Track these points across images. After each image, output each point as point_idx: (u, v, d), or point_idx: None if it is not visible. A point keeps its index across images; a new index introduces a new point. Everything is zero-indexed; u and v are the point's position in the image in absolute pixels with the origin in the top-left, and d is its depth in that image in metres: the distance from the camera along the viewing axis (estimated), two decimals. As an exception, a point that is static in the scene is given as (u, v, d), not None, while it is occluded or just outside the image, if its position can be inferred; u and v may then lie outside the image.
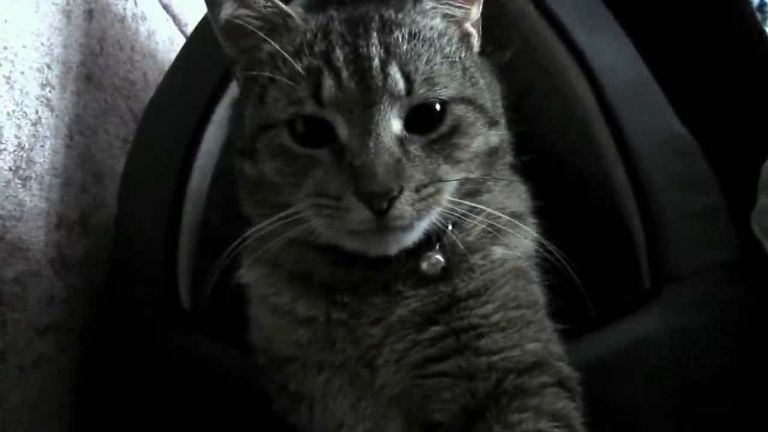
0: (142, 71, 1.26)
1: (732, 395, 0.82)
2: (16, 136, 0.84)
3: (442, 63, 0.66)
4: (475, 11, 0.74)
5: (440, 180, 0.64)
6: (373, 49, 0.64)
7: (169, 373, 0.88)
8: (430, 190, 0.62)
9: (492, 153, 0.71)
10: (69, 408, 0.95)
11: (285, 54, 0.66)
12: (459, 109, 0.66)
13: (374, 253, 0.66)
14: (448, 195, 0.65)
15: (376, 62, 0.63)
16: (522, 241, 0.75)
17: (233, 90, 0.98)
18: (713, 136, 0.92)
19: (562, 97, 0.94)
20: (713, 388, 0.82)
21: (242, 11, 0.69)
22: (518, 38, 0.97)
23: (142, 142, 1.03)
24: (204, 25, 1.06)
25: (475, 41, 0.75)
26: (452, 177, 0.65)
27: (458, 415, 0.66)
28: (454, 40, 0.71)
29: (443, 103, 0.65)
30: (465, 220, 0.72)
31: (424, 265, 0.70)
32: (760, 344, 0.86)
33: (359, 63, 0.63)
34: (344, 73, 0.63)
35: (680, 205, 0.88)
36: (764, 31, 1.02)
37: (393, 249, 0.65)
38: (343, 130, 0.63)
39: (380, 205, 0.60)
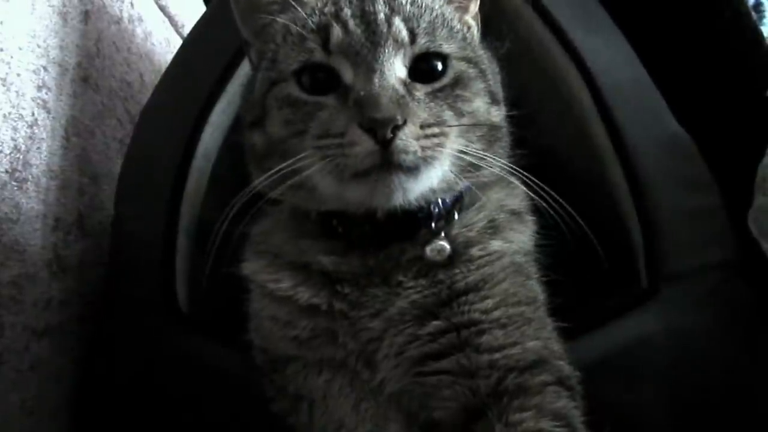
0: (138, 73, 1.25)
1: (730, 394, 0.82)
2: (12, 138, 0.84)
3: (443, 25, 0.71)
4: (473, 6, 0.79)
5: (444, 123, 0.65)
6: (378, 6, 0.69)
7: (166, 374, 0.88)
8: (435, 130, 0.64)
9: (493, 129, 0.73)
10: (66, 410, 0.94)
11: (298, 8, 0.71)
12: (460, 65, 0.70)
13: (375, 203, 0.66)
14: (452, 143, 0.66)
15: (381, 15, 0.68)
16: (520, 237, 0.76)
17: (230, 92, 0.98)
18: (710, 135, 0.92)
19: (559, 97, 0.94)
20: (711, 386, 0.82)
21: None
22: (515, 39, 0.98)
23: (139, 144, 1.02)
24: (201, 26, 1.06)
25: (475, 32, 0.79)
26: (454, 123, 0.66)
27: (459, 413, 0.66)
28: (455, 17, 0.76)
29: (445, 59, 0.69)
30: (466, 204, 0.73)
31: (428, 251, 0.70)
32: (758, 342, 0.86)
33: (366, 17, 0.69)
34: (351, 23, 0.68)
35: (677, 204, 0.88)
36: (760, 30, 1.02)
37: (397, 197, 0.65)
38: (348, 74, 0.67)
39: (384, 133, 0.60)
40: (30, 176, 0.87)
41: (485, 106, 0.71)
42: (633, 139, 0.88)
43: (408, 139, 0.61)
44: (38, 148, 0.90)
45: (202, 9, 1.50)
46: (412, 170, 0.63)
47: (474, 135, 0.69)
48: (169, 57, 1.10)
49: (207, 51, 1.00)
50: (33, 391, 0.87)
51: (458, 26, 0.75)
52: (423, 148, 0.62)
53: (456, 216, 0.73)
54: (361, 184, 0.64)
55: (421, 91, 0.66)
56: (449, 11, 0.75)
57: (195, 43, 1.06)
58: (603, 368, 0.79)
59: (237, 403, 0.82)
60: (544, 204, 0.69)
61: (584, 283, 0.81)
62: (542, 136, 0.98)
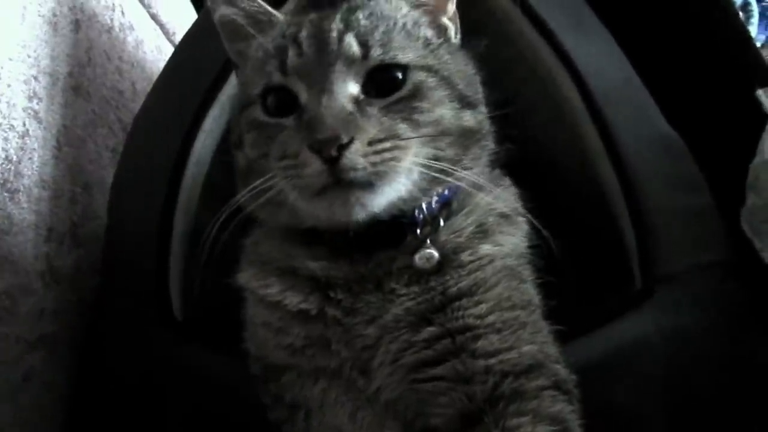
0: (130, 81, 1.25)
1: (725, 394, 0.82)
2: (3, 149, 0.84)
3: (400, 33, 0.71)
4: (450, 6, 0.79)
5: (397, 137, 0.64)
6: (333, 25, 0.70)
7: (161, 384, 0.87)
8: (386, 145, 0.63)
9: (466, 134, 0.72)
10: (59, 421, 0.94)
11: (261, 32, 0.75)
12: (419, 75, 0.69)
13: (339, 219, 0.66)
14: (410, 156, 0.65)
15: (335, 33, 0.69)
16: (510, 239, 0.75)
17: (223, 99, 0.98)
18: (701, 135, 0.93)
19: (551, 100, 0.95)
20: (706, 387, 0.82)
21: (232, 10, 0.78)
22: (505, 42, 0.98)
23: (131, 152, 1.02)
24: (192, 34, 1.06)
25: (453, 33, 0.79)
26: (410, 135, 0.66)
27: (455, 419, 0.65)
28: (421, 22, 0.75)
29: (404, 70, 0.68)
30: (454, 209, 0.73)
31: (417, 259, 0.70)
32: (753, 342, 0.86)
33: (320, 36, 0.69)
34: (305, 44, 0.69)
35: (670, 205, 0.88)
36: (747, 30, 1.03)
37: (357, 212, 0.65)
38: (303, 95, 0.68)
39: (329, 152, 0.61)
40: (22, 186, 0.87)
41: (452, 112, 0.70)
42: (624, 141, 0.89)
43: (355, 156, 0.61)
44: (30, 158, 0.89)
45: (194, 16, 1.50)
46: (366, 186, 0.63)
47: (443, 143, 0.69)
48: (161, 65, 1.10)
49: (199, 58, 1.00)
50: (26, 402, 0.86)
51: (421, 32, 0.74)
52: (373, 164, 0.62)
53: (442, 222, 0.73)
54: (321, 201, 0.65)
55: (376, 106, 0.66)
56: (413, 17, 0.75)
57: (187, 50, 1.05)
58: (599, 371, 0.78)
59: (233, 412, 0.81)
60: (534, 223, 0.70)
61: (579, 286, 0.81)
62: (534, 139, 0.98)
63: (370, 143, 0.62)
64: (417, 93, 0.68)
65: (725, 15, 1.03)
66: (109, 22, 1.18)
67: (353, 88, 0.67)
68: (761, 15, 1.75)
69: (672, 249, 0.86)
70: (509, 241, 0.75)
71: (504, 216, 0.76)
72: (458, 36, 0.80)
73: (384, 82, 0.68)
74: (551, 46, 0.93)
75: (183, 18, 1.53)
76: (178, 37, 1.31)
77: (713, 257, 0.88)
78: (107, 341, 0.95)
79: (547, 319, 0.73)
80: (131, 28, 1.28)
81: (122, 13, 1.24)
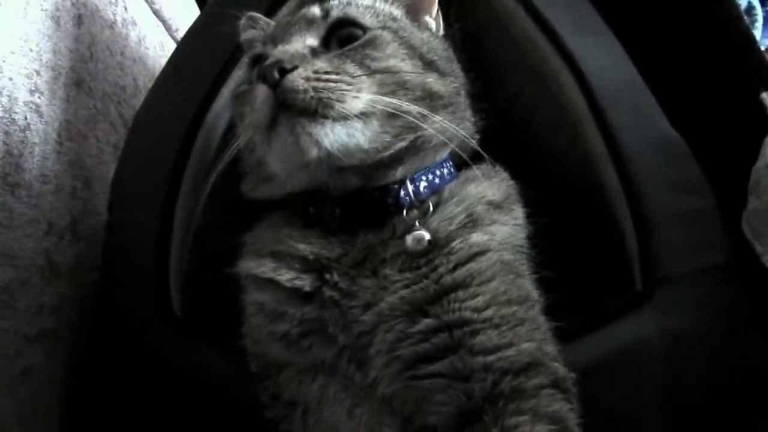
0: (132, 77, 1.25)
1: (724, 396, 0.82)
2: (4, 143, 0.84)
3: (364, 5, 0.78)
4: (434, 8, 0.86)
5: (345, 73, 0.67)
6: (310, 7, 0.78)
7: (160, 380, 0.87)
8: (332, 76, 0.66)
9: (432, 96, 0.74)
10: (59, 417, 0.94)
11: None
12: (377, 31, 0.74)
13: (295, 158, 0.68)
14: (363, 96, 0.67)
15: (304, 10, 0.78)
16: (502, 229, 0.75)
17: (224, 95, 0.98)
18: (704, 138, 0.93)
19: (553, 100, 0.95)
20: (706, 389, 0.82)
21: (254, 32, 0.89)
22: (509, 42, 0.98)
23: (132, 148, 1.02)
24: (195, 30, 1.06)
25: (433, 27, 0.86)
26: (358, 73, 0.68)
27: (453, 417, 0.65)
28: (389, 7, 0.82)
29: (364, 29, 0.74)
30: (445, 198, 0.75)
31: (409, 240, 0.70)
32: (752, 345, 0.86)
33: (298, 15, 0.78)
34: (282, 21, 0.80)
35: (671, 207, 0.88)
36: (752, 34, 1.03)
37: (308, 146, 0.66)
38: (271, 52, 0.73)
39: (272, 75, 0.64)
40: (22, 181, 0.87)
41: (411, 67, 0.73)
42: (627, 142, 0.88)
43: (296, 78, 0.64)
44: (31, 152, 0.89)
45: (196, 12, 1.50)
46: (312, 114, 0.65)
47: (405, 97, 0.70)
48: (163, 61, 1.10)
49: (201, 55, 1.00)
50: (25, 397, 0.86)
51: (391, 10, 0.80)
52: (315, 89, 0.64)
53: (431, 207, 0.74)
54: (274, 138, 0.67)
55: (331, 53, 0.70)
56: (383, 4, 0.81)
57: (189, 47, 1.05)
58: (599, 372, 0.78)
59: (231, 409, 0.81)
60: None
61: (579, 287, 0.81)
62: (536, 139, 0.98)
63: (316, 72, 0.65)
64: (371, 43, 0.72)
65: (729, 17, 1.03)
66: (111, 17, 1.18)
67: (311, 40, 0.73)
68: (765, 19, 1.74)
69: (673, 251, 0.86)
70: (501, 230, 0.75)
71: (495, 204, 0.77)
72: (440, 33, 0.86)
73: (346, 38, 0.72)
74: (554, 46, 0.93)
75: (186, 14, 1.53)
76: (181, 34, 1.31)
77: (714, 260, 0.88)
78: (107, 337, 0.95)
79: (548, 316, 0.73)
80: (134, 23, 1.28)
81: (125, 8, 1.24)
